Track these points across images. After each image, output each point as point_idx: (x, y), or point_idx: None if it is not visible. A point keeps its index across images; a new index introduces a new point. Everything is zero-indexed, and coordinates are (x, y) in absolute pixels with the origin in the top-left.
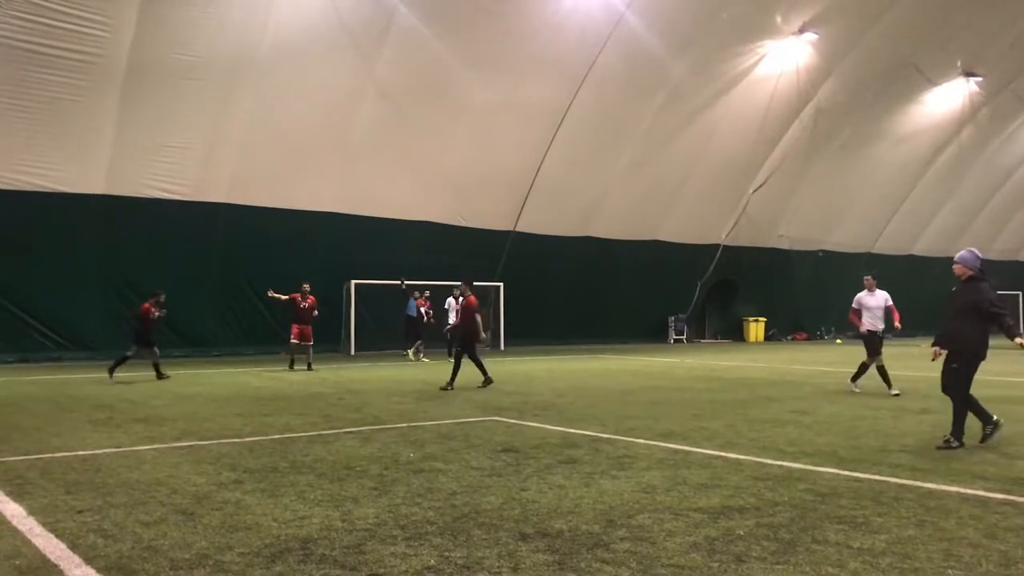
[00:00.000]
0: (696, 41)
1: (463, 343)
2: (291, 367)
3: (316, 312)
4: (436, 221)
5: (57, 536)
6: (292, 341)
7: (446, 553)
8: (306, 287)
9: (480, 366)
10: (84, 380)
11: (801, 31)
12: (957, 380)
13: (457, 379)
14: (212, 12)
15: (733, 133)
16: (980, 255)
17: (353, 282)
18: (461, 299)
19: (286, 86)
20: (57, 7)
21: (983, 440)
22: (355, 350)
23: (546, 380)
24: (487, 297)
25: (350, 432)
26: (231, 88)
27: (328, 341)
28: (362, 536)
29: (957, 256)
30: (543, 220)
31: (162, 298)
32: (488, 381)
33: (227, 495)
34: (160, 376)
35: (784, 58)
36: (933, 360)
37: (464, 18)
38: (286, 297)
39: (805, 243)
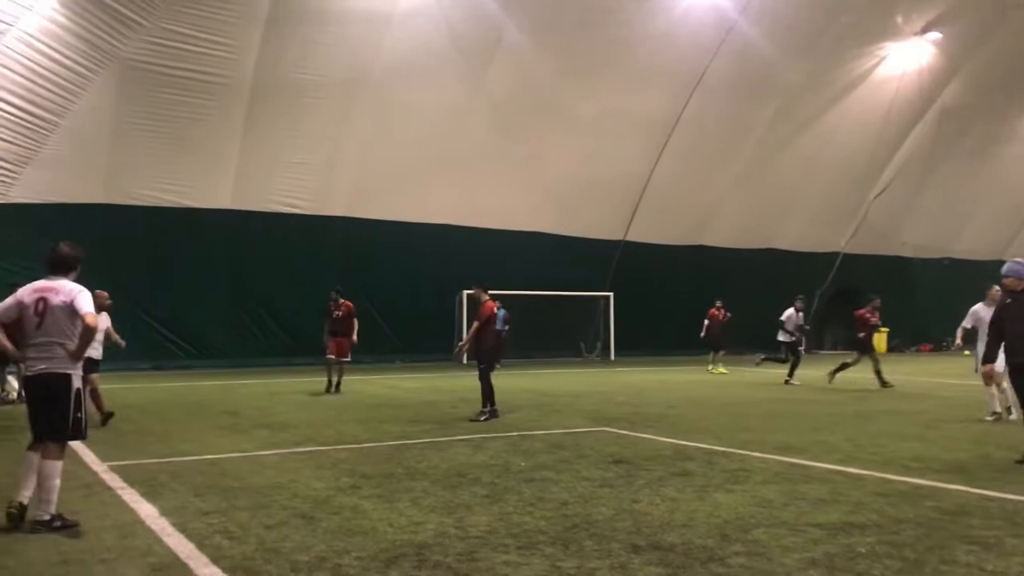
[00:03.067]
0: (812, 45)
1: (489, 358)
2: (328, 388)
3: (355, 320)
4: (545, 231)
5: (186, 536)
6: (328, 356)
7: (558, 563)
8: (334, 293)
9: (491, 390)
10: (212, 387)
11: (924, 31)
12: None
13: (560, 388)
14: (331, 31)
15: (852, 138)
16: None
17: (465, 292)
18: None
19: (400, 101)
20: (187, 32)
21: None
22: (467, 359)
23: (657, 391)
24: (596, 307)
25: (463, 440)
26: (349, 104)
27: (441, 351)
28: (475, 543)
29: (1009, 269)
30: (654, 229)
31: (878, 302)
32: (490, 413)
33: (345, 500)
34: (883, 384)
35: (906, 59)
36: (990, 378)
37: (572, 30)
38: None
39: (930, 250)
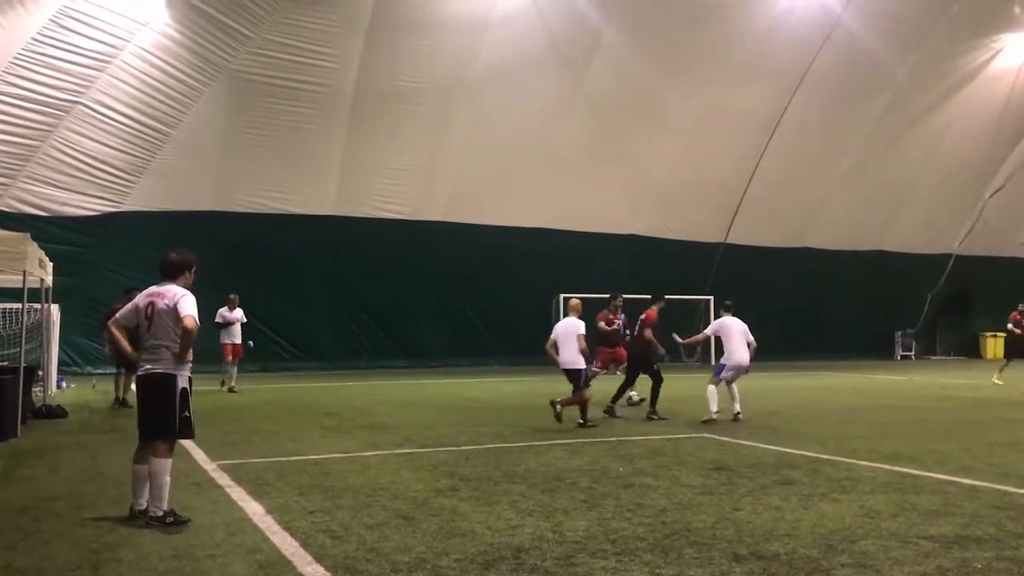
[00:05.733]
0: (922, 38)
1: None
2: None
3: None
4: (644, 234)
5: (291, 534)
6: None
7: (657, 570)
8: (618, 302)
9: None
10: (316, 388)
11: None
12: None
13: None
14: (431, 38)
15: (965, 134)
16: None
17: (562, 296)
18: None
19: (499, 105)
20: (291, 42)
21: None
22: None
23: (760, 397)
24: (696, 311)
25: (560, 444)
26: (448, 110)
27: (537, 353)
28: (573, 548)
29: None
30: (756, 231)
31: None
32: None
33: (444, 502)
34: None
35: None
36: None
37: (672, 29)
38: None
39: None
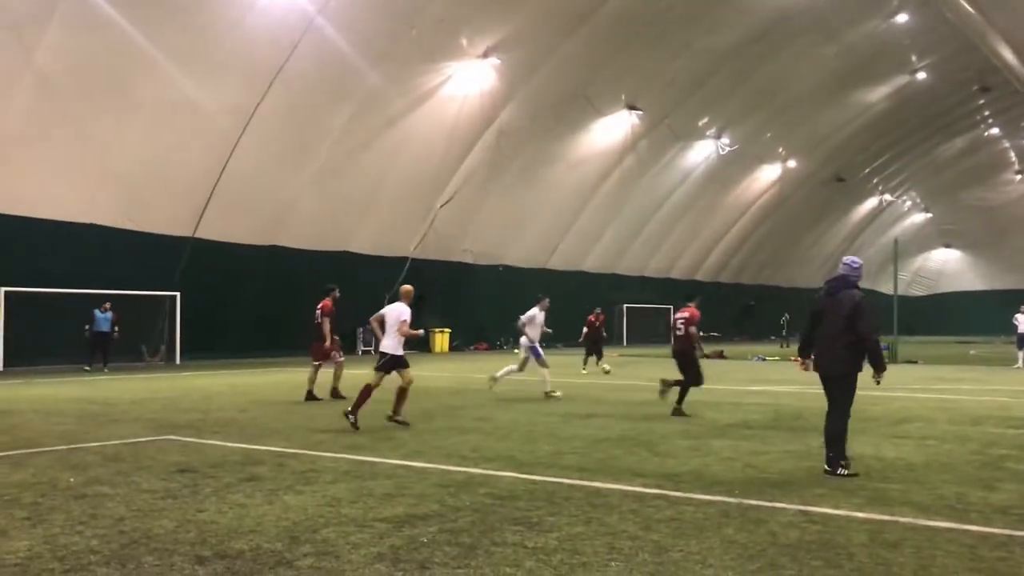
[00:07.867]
0: (389, 54)
1: None
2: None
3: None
4: (103, 224)
5: None
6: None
7: None
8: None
9: None
10: None
11: (485, 55)
12: None
13: (118, 395)
14: None
15: (423, 148)
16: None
17: (3, 289)
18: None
19: None
20: None
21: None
22: (4, 366)
23: (228, 395)
24: (161, 307)
25: (0, 457)
26: None
27: None
28: (13, 571)
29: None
30: (227, 227)
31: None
32: None
33: None
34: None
35: (469, 80)
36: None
37: (149, 9)
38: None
39: (487, 257)
